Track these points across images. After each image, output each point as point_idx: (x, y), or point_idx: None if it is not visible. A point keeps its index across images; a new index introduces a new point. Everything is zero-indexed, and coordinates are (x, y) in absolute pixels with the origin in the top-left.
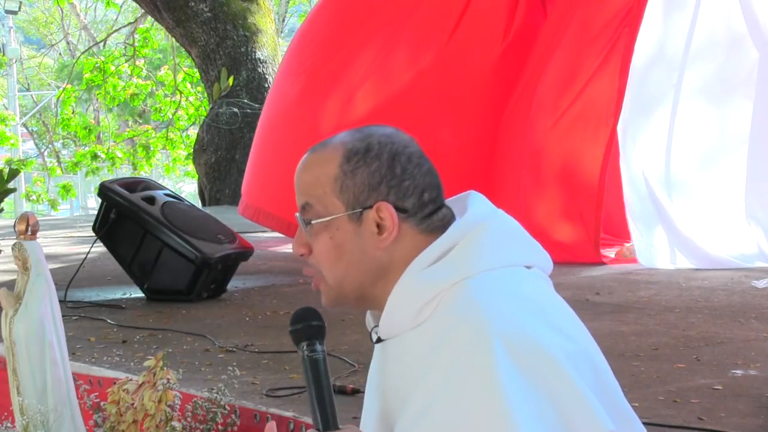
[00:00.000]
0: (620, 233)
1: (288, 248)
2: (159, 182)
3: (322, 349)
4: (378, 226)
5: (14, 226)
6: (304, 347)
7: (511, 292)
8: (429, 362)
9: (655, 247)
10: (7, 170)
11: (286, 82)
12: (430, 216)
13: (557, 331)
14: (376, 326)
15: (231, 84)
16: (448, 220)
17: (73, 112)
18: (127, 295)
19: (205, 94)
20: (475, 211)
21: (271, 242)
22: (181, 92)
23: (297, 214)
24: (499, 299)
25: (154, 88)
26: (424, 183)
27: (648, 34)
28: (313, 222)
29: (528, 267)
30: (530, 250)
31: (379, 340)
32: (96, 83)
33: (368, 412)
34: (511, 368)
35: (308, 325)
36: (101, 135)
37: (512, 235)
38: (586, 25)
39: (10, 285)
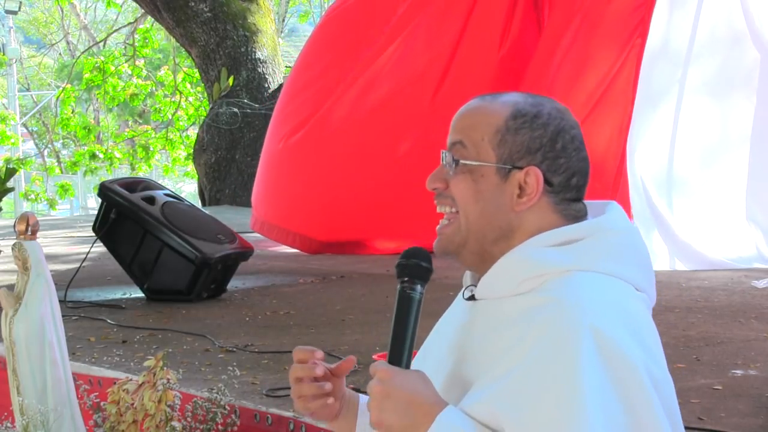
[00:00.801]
0: None
1: (289, 248)
2: (159, 182)
3: (421, 292)
4: (521, 188)
5: (14, 226)
6: (405, 281)
7: (614, 300)
8: (520, 334)
9: (652, 251)
10: (4, 169)
11: (292, 102)
12: (570, 202)
13: (647, 351)
14: (471, 285)
15: (231, 84)
16: (583, 214)
17: (72, 112)
18: (127, 295)
19: (205, 94)
20: (614, 218)
21: (271, 242)
22: (181, 92)
23: (443, 151)
24: (602, 301)
25: (154, 88)
26: (576, 167)
27: (653, 28)
28: (461, 161)
29: (638, 290)
30: (647, 276)
31: (471, 298)
32: (96, 83)
33: (437, 367)
34: (596, 361)
35: (418, 264)
36: (101, 135)
37: (637, 255)
38: (596, 23)
39: (10, 285)
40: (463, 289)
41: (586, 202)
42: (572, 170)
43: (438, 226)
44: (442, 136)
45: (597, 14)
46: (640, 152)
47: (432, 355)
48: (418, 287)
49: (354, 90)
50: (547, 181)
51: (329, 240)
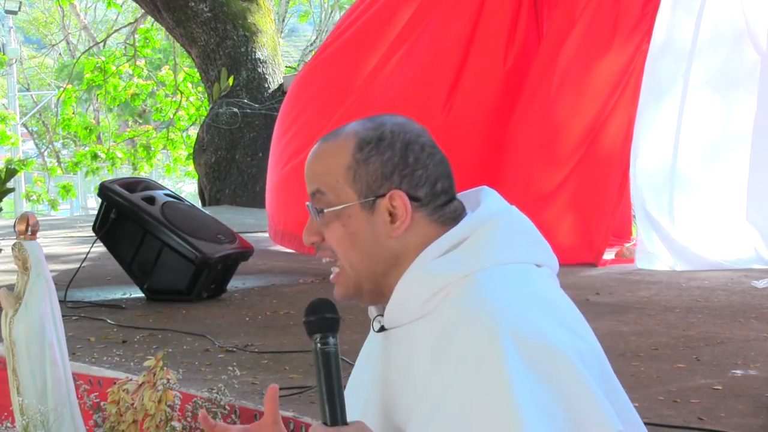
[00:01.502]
0: (620, 233)
1: (287, 249)
2: (159, 182)
3: (335, 343)
4: (390, 214)
5: (14, 226)
6: (317, 339)
7: (521, 288)
8: (437, 357)
9: (651, 253)
10: (5, 170)
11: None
12: (443, 207)
13: (567, 329)
14: (379, 315)
15: (231, 84)
16: (460, 213)
17: (73, 113)
18: (127, 295)
19: (206, 94)
20: (489, 206)
21: (271, 242)
22: (182, 92)
23: (308, 203)
24: (509, 294)
25: (155, 88)
26: (437, 173)
27: (658, 24)
28: (325, 210)
29: (538, 265)
30: (541, 248)
31: (382, 329)
32: (97, 83)
33: (366, 406)
34: (521, 365)
35: (322, 317)
36: (101, 135)
37: (524, 233)
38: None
39: (10, 285)
40: (372, 321)
41: (459, 195)
42: (433, 177)
43: (331, 276)
44: (453, 150)
45: (605, 15)
46: (644, 148)
47: (358, 395)
48: (331, 340)
49: (361, 103)
50: (413, 198)
51: None
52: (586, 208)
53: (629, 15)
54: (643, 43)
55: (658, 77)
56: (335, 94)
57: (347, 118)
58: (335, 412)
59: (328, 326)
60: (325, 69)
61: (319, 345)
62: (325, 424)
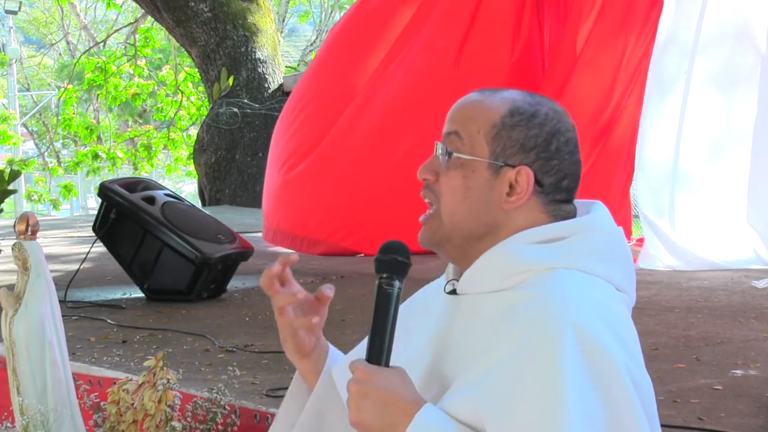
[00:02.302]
0: None
1: (289, 248)
2: (159, 182)
3: (400, 287)
4: (511, 186)
5: (14, 226)
6: (383, 277)
7: (597, 299)
8: (502, 330)
9: (654, 255)
10: (8, 171)
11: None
12: (560, 203)
13: (628, 353)
14: (453, 279)
15: (231, 84)
16: (572, 216)
17: (74, 113)
18: (127, 295)
19: (206, 94)
20: (599, 218)
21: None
22: (182, 92)
23: (438, 143)
24: (586, 299)
25: (156, 87)
26: (569, 170)
27: (663, 17)
28: (454, 154)
29: (618, 290)
30: (628, 276)
31: (453, 292)
32: (97, 83)
33: (415, 360)
34: (578, 361)
35: (395, 259)
36: (101, 135)
37: (620, 256)
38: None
39: (10, 285)
40: (445, 282)
41: (576, 200)
42: (564, 172)
43: (422, 217)
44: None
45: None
46: (648, 145)
47: (409, 347)
48: (396, 283)
49: (365, 103)
50: (537, 182)
51: (340, 243)
52: None
53: (639, 6)
54: (654, 36)
55: (662, 73)
56: (338, 94)
57: (350, 121)
58: (381, 352)
59: (398, 269)
60: (327, 69)
61: (384, 284)
62: (369, 361)
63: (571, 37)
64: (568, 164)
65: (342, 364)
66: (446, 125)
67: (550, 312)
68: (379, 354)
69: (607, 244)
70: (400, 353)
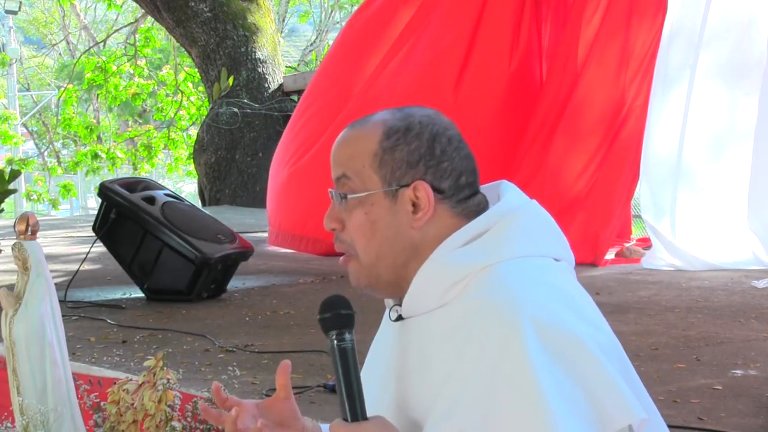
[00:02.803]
0: (620, 233)
1: (287, 249)
2: (159, 182)
3: (351, 338)
4: (413, 204)
5: (14, 226)
6: (333, 336)
7: (541, 280)
8: (458, 345)
9: (659, 257)
10: (8, 171)
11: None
12: (466, 200)
13: (586, 320)
14: (396, 305)
15: (231, 84)
16: (483, 206)
17: (74, 112)
18: (127, 295)
19: (206, 94)
20: (509, 200)
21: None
22: (182, 92)
23: (331, 190)
24: (528, 285)
25: (156, 87)
26: (462, 166)
27: (669, 9)
28: (349, 196)
29: (556, 260)
30: (560, 242)
31: (399, 318)
32: (97, 83)
33: (380, 396)
34: (543, 352)
35: (338, 314)
36: (101, 135)
37: (545, 227)
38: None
39: (10, 285)
40: (388, 310)
41: (481, 187)
42: (458, 170)
43: (341, 259)
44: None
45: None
46: (653, 139)
47: (372, 385)
48: (347, 336)
49: (363, 103)
50: (436, 190)
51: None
52: (595, 209)
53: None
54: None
55: (667, 66)
56: (337, 94)
57: (349, 118)
58: (355, 407)
59: (344, 322)
60: (330, 69)
61: (335, 342)
62: (345, 420)
63: (573, 38)
64: (459, 161)
65: None
66: (332, 169)
67: (502, 313)
68: (354, 409)
69: (527, 221)
70: (369, 397)
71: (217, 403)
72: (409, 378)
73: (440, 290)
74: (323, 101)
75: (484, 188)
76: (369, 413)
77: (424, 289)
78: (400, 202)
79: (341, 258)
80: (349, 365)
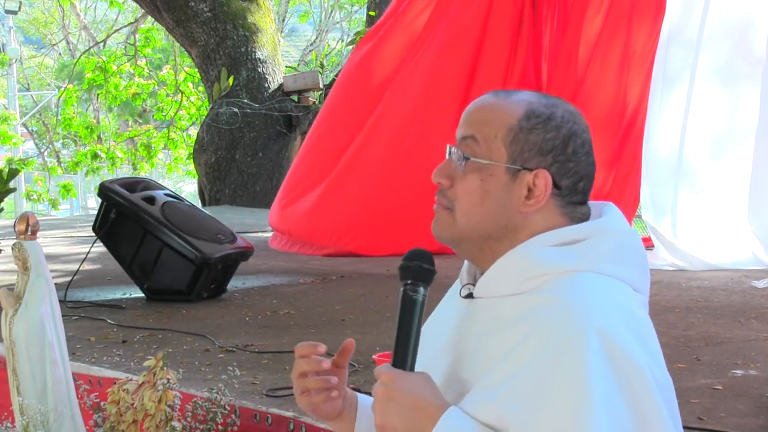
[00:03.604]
0: None
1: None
2: (159, 182)
3: (424, 293)
4: (529, 190)
5: (14, 226)
6: (408, 284)
7: (619, 303)
8: (523, 334)
9: (660, 257)
10: (7, 169)
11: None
12: (576, 205)
13: (651, 355)
14: (469, 284)
15: (231, 84)
16: (587, 218)
17: (74, 112)
18: (127, 295)
19: (206, 94)
20: (614, 220)
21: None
22: (182, 92)
23: (451, 146)
24: (607, 302)
25: (156, 87)
26: (585, 172)
27: (668, 9)
28: (471, 159)
29: (635, 291)
30: (645, 276)
31: (469, 296)
32: (98, 83)
33: (433, 365)
34: (604, 365)
35: (420, 266)
36: (101, 135)
37: (637, 257)
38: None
39: (10, 285)
40: (460, 287)
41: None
42: (580, 174)
43: (435, 206)
44: None
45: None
46: (654, 139)
47: (427, 353)
48: (421, 289)
49: (383, 104)
50: (555, 184)
51: (345, 246)
52: None
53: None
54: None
55: (666, 68)
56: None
57: (368, 133)
58: (406, 357)
59: (423, 276)
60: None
61: (408, 289)
62: (394, 365)
63: (575, 39)
64: (584, 166)
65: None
66: (461, 128)
67: (573, 316)
68: (403, 359)
69: (623, 245)
70: (417, 359)
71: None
72: (465, 355)
73: (520, 279)
74: (355, 101)
75: (592, 204)
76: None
77: (504, 274)
78: (518, 183)
79: (435, 206)
80: (414, 316)
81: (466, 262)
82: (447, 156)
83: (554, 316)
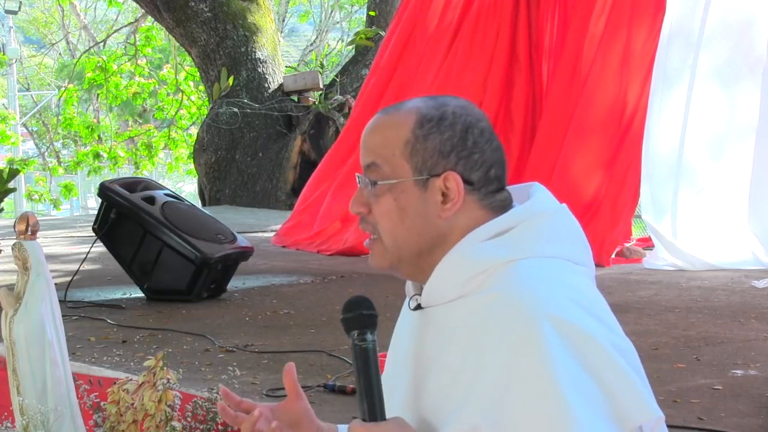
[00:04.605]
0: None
1: (289, 248)
2: (159, 182)
3: (373, 339)
4: (443, 194)
5: (14, 226)
6: (355, 336)
7: (562, 281)
8: (476, 337)
9: (659, 256)
10: (7, 169)
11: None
12: (494, 194)
13: (604, 324)
14: (416, 295)
15: (231, 84)
16: (508, 202)
17: (75, 112)
18: (127, 295)
19: (207, 94)
20: (540, 201)
21: (271, 242)
22: (183, 91)
23: (359, 175)
24: (549, 284)
25: (157, 86)
26: (492, 159)
27: (669, 8)
28: (378, 183)
29: (578, 265)
30: (584, 249)
31: (418, 307)
32: (98, 82)
33: (396, 380)
34: (562, 350)
35: (360, 314)
36: (101, 135)
37: (571, 232)
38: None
39: (10, 285)
40: (408, 299)
41: (509, 187)
42: (489, 163)
43: (366, 242)
44: None
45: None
46: (654, 138)
47: (387, 369)
48: (368, 336)
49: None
50: (466, 181)
51: (347, 244)
52: (603, 210)
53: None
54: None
55: (667, 66)
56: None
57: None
58: (374, 407)
59: (366, 323)
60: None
61: (357, 341)
62: (364, 420)
63: (579, 37)
64: (490, 153)
65: None
66: (362, 156)
67: (522, 309)
68: (373, 410)
69: (555, 224)
70: (387, 384)
71: (230, 406)
72: (426, 365)
73: (461, 281)
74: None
75: (514, 188)
76: (386, 397)
77: (445, 279)
78: (430, 191)
79: (366, 241)
80: (369, 365)
81: None
82: (359, 185)
83: (503, 313)
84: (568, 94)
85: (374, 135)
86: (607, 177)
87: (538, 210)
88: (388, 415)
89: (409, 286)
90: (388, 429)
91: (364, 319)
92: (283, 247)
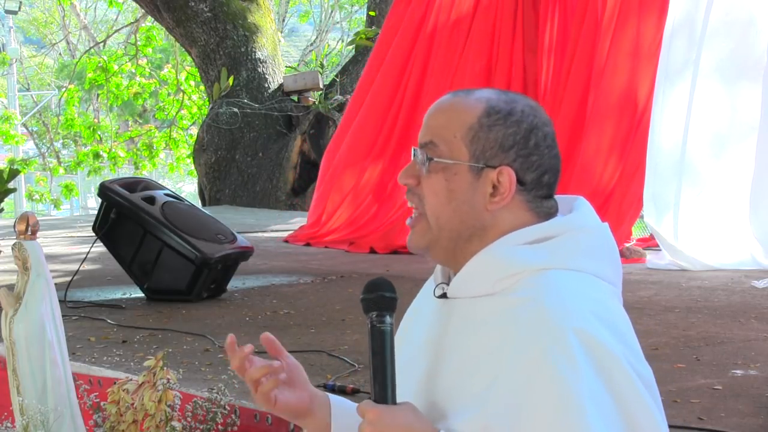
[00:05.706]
0: None
1: (289, 248)
2: (160, 182)
3: (391, 322)
4: (494, 187)
5: (14, 226)
6: (374, 316)
7: (593, 299)
8: (500, 337)
9: (661, 257)
10: (7, 170)
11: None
12: (542, 199)
13: (629, 348)
14: (443, 283)
15: (231, 84)
16: (554, 211)
17: (76, 113)
18: (127, 295)
19: (207, 94)
20: (584, 215)
21: (270, 242)
22: (184, 91)
23: (415, 148)
24: (581, 300)
25: (158, 86)
26: (548, 165)
27: (672, 3)
28: (435, 159)
29: (608, 284)
30: (616, 270)
31: (443, 296)
32: (99, 83)
33: (411, 364)
34: (586, 364)
35: (381, 296)
36: (101, 135)
37: (608, 251)
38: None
39: (10, 285)
40: (434, 286)
41: (557, 196)
42: (544, 168)
43: (408, 220)
44: None
45: None
46: (658, 135)
47: (404, 353)
48: (387, 318)
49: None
50: (519, 180)
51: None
52: (611, 212)
53: None
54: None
55: (670, 62)
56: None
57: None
58: (386, 390)
59: (386, 305)
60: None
61: (375, 322)
62: (376, 401)
63: (593, 32)
64: (548, 159)
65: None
66: (422, 131)
67: (550, 318)
68: (384, 393)
69: (594, 240)
70: (398, 363)
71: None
72: (443, 356)
73: (493, 279)
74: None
75: (559, 198)
76: (399, 380)
77: (476, 275)
78: (482, 180)
79: (408, 221)
80: (385, 348)
81: None
82: (412, 158)
83: (530, 319)
84: (578, 87)
85: (439, 115)
86: (615, 172)
87: (581, 224)
88: (399, 397)
89: (438, 273)
90: (399, 412)
91: (386, 301)
92: (307, 245)
